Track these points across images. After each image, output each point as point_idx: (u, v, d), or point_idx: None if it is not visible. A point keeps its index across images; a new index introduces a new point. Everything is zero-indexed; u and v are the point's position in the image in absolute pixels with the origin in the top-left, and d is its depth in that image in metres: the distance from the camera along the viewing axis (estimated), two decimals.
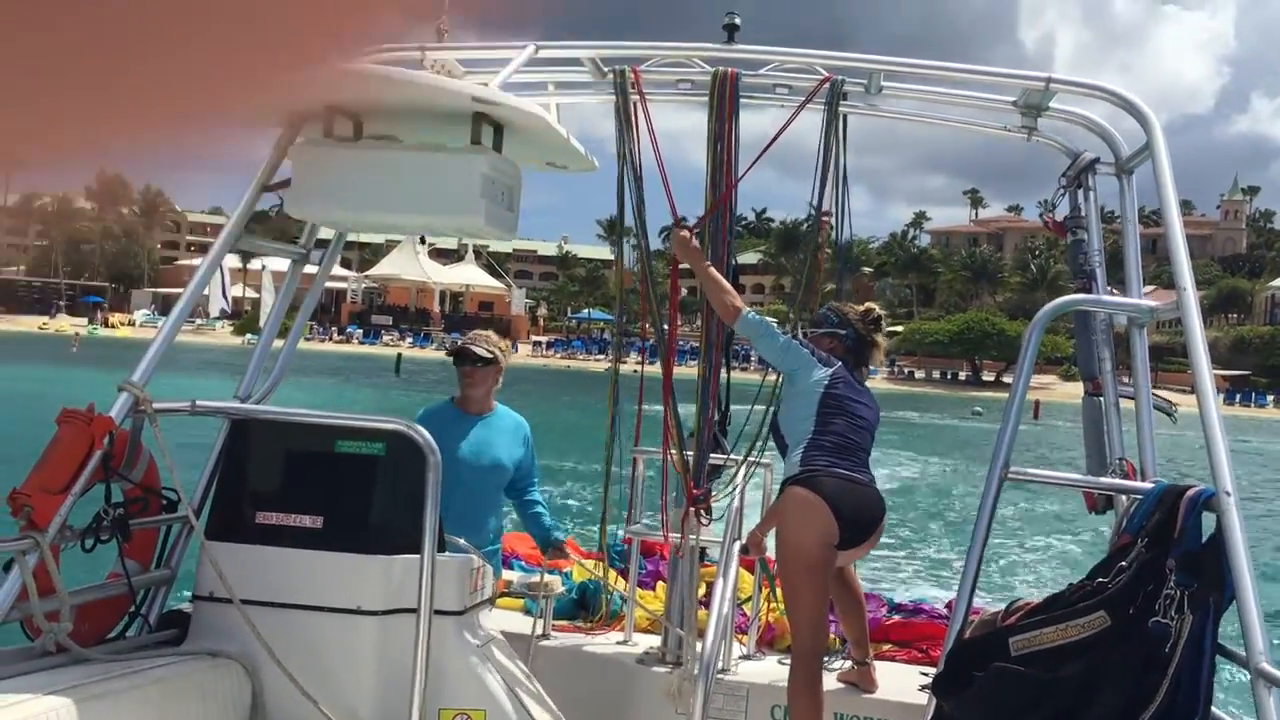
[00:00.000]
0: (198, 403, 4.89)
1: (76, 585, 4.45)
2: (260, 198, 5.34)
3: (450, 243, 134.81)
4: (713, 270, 5.69)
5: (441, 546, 4.70)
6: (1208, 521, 4.12)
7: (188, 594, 4.97)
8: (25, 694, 3.76)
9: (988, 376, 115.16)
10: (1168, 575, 4.06)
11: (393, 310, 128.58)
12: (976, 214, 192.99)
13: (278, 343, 6.00)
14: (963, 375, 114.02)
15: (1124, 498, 4.88)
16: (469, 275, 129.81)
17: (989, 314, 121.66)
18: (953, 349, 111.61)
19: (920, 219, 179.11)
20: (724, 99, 5.64)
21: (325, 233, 6.09)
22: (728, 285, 5.69)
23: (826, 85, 5.64)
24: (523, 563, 7.33)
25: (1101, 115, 5.53)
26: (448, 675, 4.67)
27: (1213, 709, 3.95)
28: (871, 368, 6.05)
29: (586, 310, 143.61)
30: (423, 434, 4.53)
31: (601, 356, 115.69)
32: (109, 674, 4.12)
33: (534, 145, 5.42)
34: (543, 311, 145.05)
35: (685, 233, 5.72)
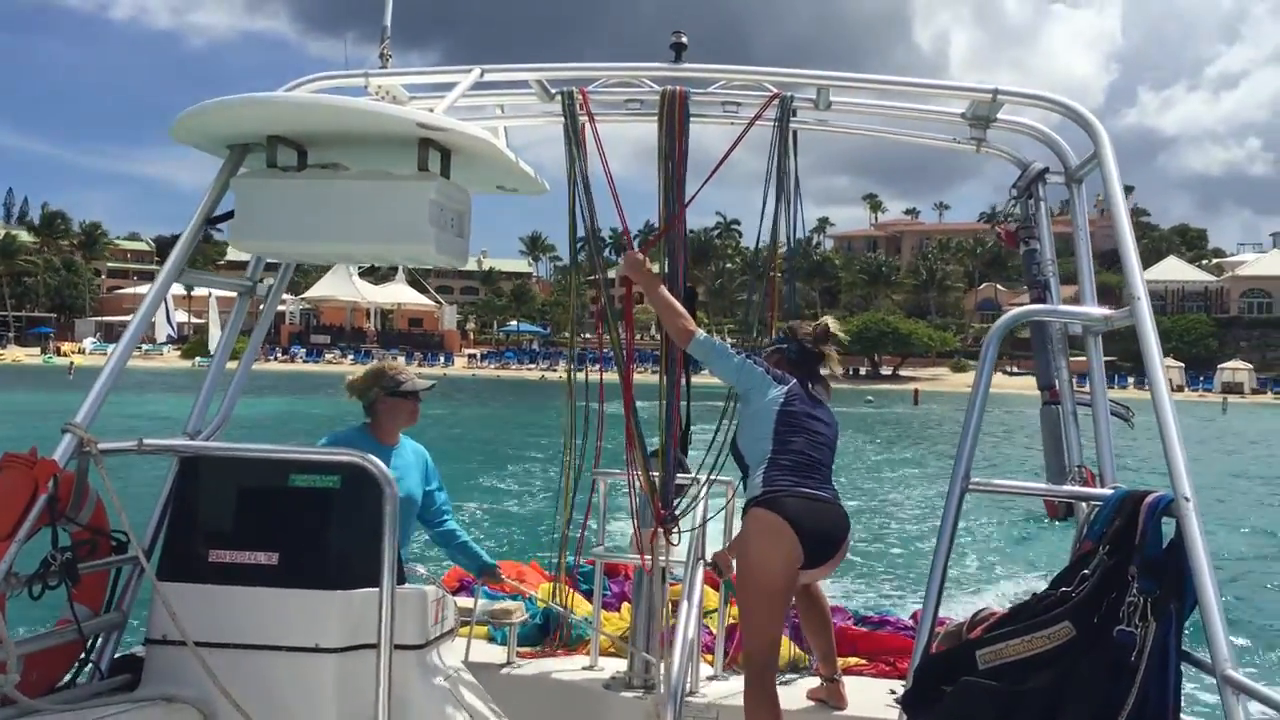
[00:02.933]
0: (145, 441, 4.59)
1: (24, 633, 4.19)
2: (202, 231, 4.94)
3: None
4: (664, 292, 5.52)
5: (400, 579, 4.33)
6: (1169, 527, 3.93)
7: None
8: None
9: (885, 370, 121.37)
10: (1130, 582, 3.89)
11: (329, 330, 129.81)
12: (876, 218, 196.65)
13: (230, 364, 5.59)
14: (863, 370, 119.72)
15: (1084, 505, 4.61)
16: (399, 294, 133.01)
17: (886, 314, 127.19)
18: (854, 347, 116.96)
19: (823, 224, 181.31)
20: (673, 118, 5.30)
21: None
22: (680, 308, 5.53)
23: (776, 102, 5.33)
24: (487, 590, 6.95)
25: (1050, 125, 5.29)
26: (412, 710, 4.45)
27: (1182, 716, 3.79)
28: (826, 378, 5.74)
29: (514, 323, 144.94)
30: (379, 465, 4.32)
31: (533, 365, 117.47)
32: None
33: (483, 169, 5.15)
34: (471, 325, 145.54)
35: (638, 254, 5.38)
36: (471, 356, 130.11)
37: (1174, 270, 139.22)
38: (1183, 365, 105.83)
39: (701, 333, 5.47)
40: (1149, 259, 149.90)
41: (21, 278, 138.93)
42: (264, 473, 4.69)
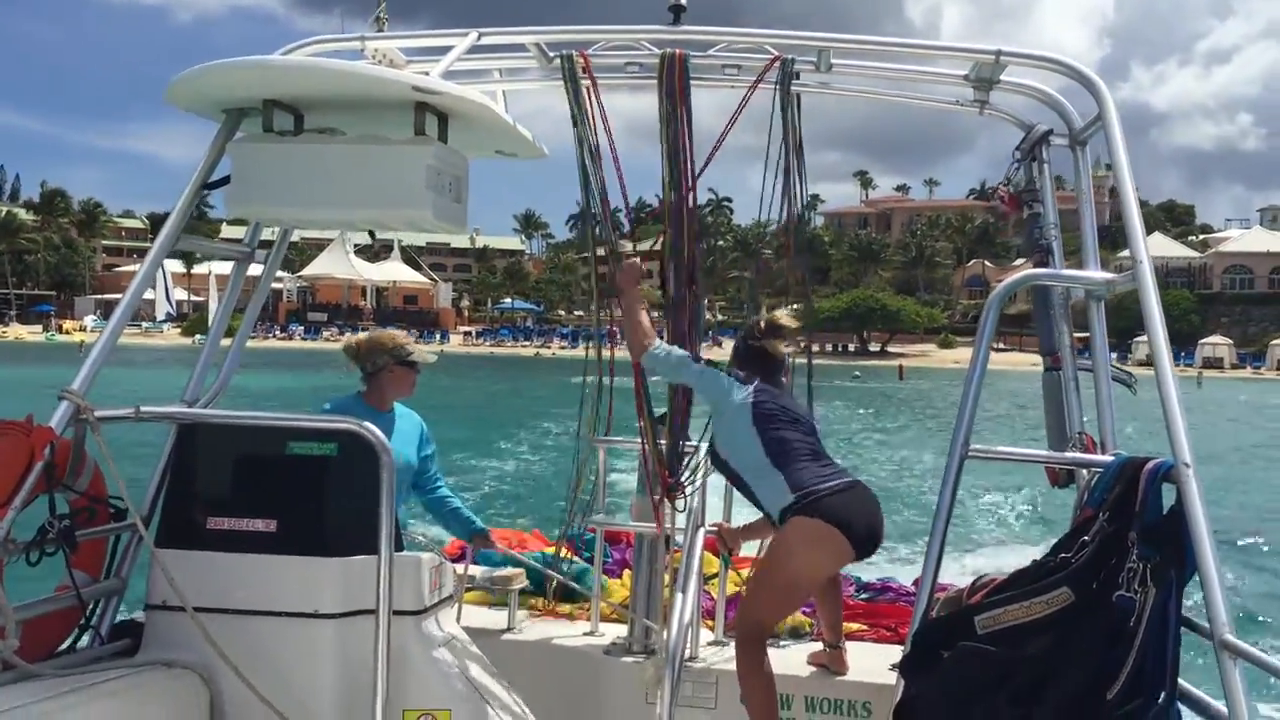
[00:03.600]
0: (142, 409, 4.54)
1: (26, 599, 4.09)
2: (199, 196, 4.83)
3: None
4: (635, 309, 5.38)
5: (399, 545, 4.25)
6: (1169, 493, 3.87)
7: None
8: None
9: (874, 347, 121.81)
10: (1130, 548, 3.84)
11: (325, 308, 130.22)
12: (866, 195, 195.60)
13: (225, 342, 5.49)
14: (852, 347, 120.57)
15: (1085, 471, 4.53)
16: (394, 271, 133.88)
17: (875, 290, 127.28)
18: (843, 324, 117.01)
19: (815, 201, 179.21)
20: (673, 81, 5.20)
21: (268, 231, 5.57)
22: (644, 324, 5.38)
23: (777, 65, 5.21)
24: (486, 554, 6.82)
25: (1053, 87, 5.18)
26: (410, 676, 4.39)
27: (1180, 681, 3.73)
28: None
29: (509, 300, 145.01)
30: (375, 433, 4.23)
31: (528, 343, 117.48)
32: (60, 689, 3.81)
33: (481, 134, 5.05)
34: (465, 303, 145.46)
35: (636, 261, 5.43)
36: (467, 334, 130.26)
37: (1158, 246, 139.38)
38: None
39: (658, 345, 5.31)
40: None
41: (22, 256, 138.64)
42: (261, 440, 4.62)
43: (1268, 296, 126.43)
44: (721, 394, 5.28)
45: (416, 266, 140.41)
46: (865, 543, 5.07)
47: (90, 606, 4.46)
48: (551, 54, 5.47)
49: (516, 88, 5.74)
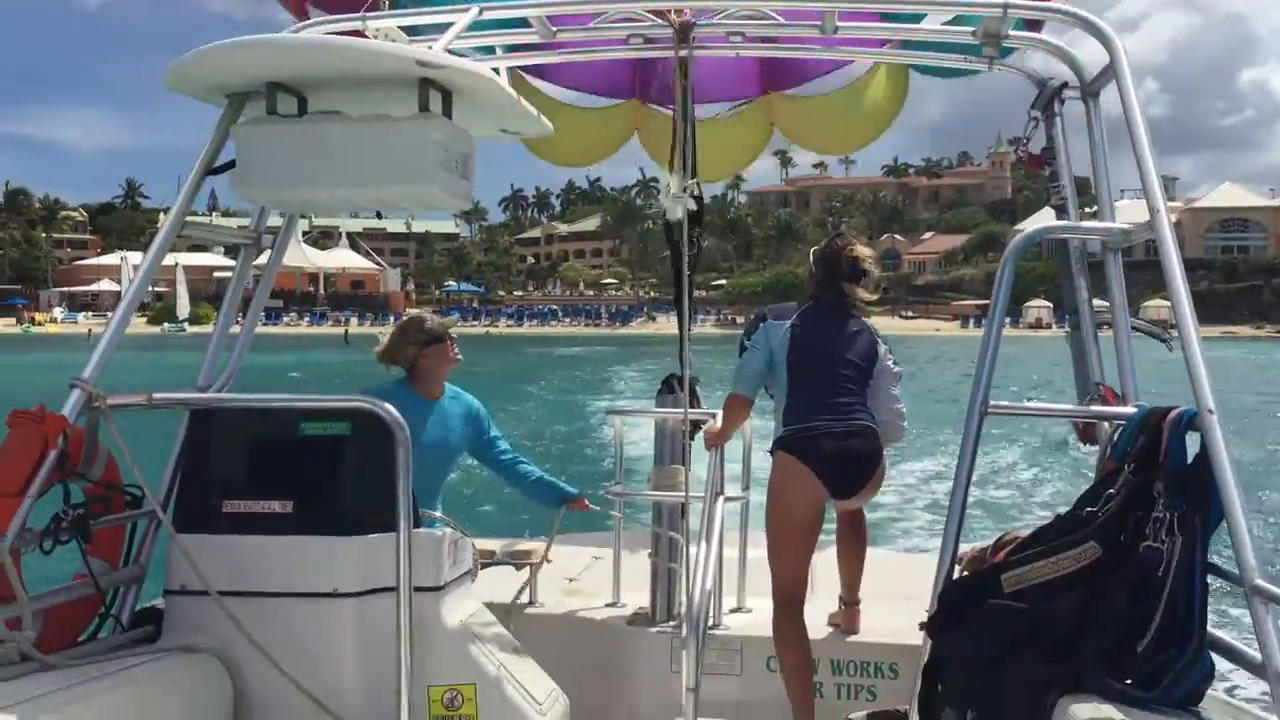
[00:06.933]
0: (154, 396, 4.28)
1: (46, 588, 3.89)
2: (203, 181, 4.67)
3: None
4: (720, 427, 5.39)
5: (417, 522, 4.00)
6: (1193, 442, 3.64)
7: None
8: None
9: None
10: (1156, 499, 3.61)
11: (280, 294, 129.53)
12: (786, 174, 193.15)
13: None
14: None
15: (1107, 425, 4.28)
16: (342, 258, 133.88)
17: (795, 267, 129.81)
18: (766, 298, 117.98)
19: (738, 181, 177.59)
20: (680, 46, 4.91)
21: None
22: (728, 415, 5.37)
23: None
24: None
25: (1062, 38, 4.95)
26: (433, 652, 4.17)
27: (1210, 629, 3.50)
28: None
29: (453, 283, 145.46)
30: (389, 410, 3.96)
31: (475, 323, 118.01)
32: (81, 678, 3.58)
33: (485, 111, 4.73)
34: (410, 287, 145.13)
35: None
36: None
37: (1049, 218, 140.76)
38: (1051, 305, 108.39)
39: (735, 390, 5.27)
40: (1031, 209, 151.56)
41: None
42: (274, 422, 4.38)
43: (1145, 263, 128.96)
44: (773, 350, 5.18)
45: (366, 254, 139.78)
46: (840, 477, 5.01)
47: (110, 595, 4.23)
48: (555, 28, 5.12)
49: (520, 63, 5.37)
